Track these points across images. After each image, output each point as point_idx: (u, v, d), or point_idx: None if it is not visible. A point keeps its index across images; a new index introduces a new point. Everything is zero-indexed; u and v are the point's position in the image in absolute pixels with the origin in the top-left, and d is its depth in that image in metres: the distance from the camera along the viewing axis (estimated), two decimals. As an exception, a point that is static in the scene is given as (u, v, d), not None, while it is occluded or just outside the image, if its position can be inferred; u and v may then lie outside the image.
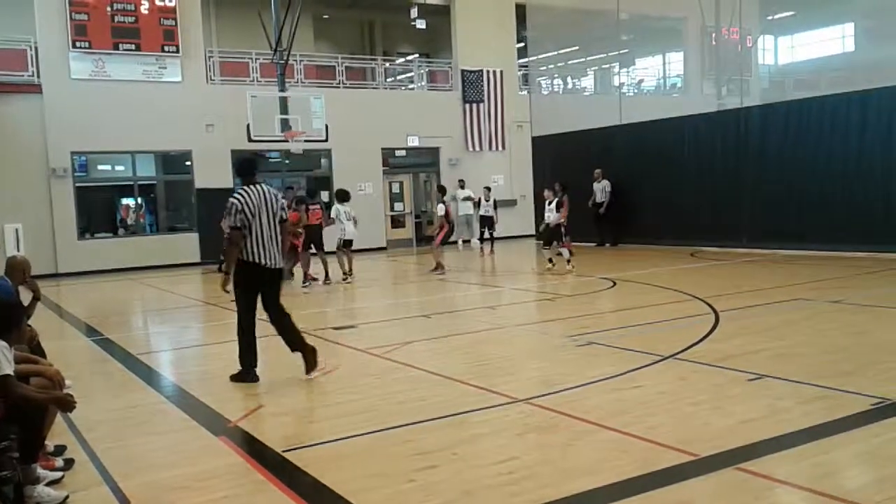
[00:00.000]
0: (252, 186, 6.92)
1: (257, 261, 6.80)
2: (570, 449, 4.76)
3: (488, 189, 20.59)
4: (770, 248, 16.41)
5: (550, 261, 15.05)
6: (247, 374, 7.02)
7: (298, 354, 7.06)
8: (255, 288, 6.93)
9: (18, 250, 13.27)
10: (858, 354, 7.00)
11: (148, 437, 5.53)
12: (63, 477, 4.56)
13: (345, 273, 14.86)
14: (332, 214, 14.86)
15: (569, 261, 14.61)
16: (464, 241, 22.89)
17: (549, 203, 15.09)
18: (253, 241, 6.76)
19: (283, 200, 7.20)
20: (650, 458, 4.48)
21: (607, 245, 20.17)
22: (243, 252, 6.80)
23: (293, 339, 7.07)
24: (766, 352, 7.17)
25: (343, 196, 15.00)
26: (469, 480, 4.30)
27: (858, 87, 16.14)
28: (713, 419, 5.18)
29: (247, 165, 7.25)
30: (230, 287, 7.08)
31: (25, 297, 6.28)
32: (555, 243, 15.00)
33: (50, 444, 4.83)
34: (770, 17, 28.90)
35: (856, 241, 14.89)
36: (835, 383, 5.86)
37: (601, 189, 20.01)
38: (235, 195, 6.87)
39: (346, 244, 14.93)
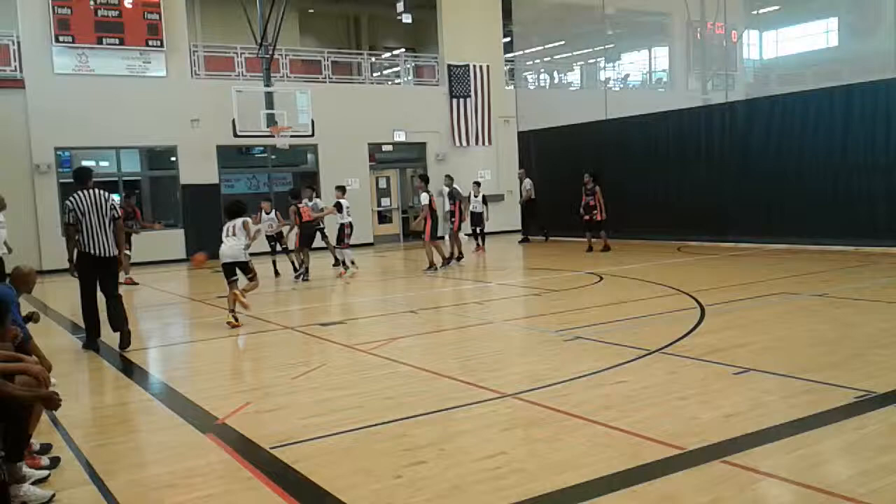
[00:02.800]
0: (84, 191, 8.39)
1: (87, 250, 8.29)
2: (557, 443, 4.78)
3: (477, 184, 19.83)
4: (755, 242, 16.53)
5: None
6: (91, 342, 8.56)
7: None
8: (87, 272, 8.42)
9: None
10: (843, 347, 7.07)
11: (134, 434, 5.52)
12: (49, 475, 4.54)
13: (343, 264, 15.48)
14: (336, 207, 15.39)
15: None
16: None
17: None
18: (84, 234, 8.26)
19: (115, 201, 8.60)
20: (637, 452, 4.51)
21: (539, 238, 21.62)
22: (78, 243, 8.31)
23: (115, 320, 8.50)
24: (752, 345, 7.23)
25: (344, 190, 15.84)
26: (457, 475, 4.31)
27: (842, 81, 16.25)
28: (699, 413, 5.21)
29: (78, 175, 8.74)
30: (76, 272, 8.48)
31: (26, 306, 6.23)
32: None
33: (35, 442, 4.80)
34: (755, 12, 29.00)
35: (840, 236, 15.02)
36: (820, 376, 5.91)
37: (525, 188, 21.56)
38: (69, 199, 8.38)
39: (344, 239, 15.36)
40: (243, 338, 9.44)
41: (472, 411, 5.55)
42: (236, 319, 9.85)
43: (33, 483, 4.30)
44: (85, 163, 21.34)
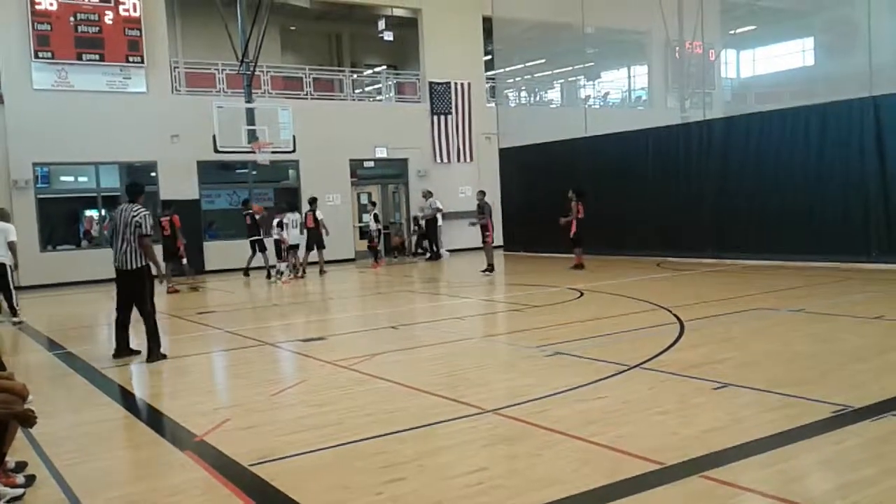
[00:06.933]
0: (123, 205, 8.73)
1: (113, 262, 8.67)
2: (537, 459, 4.78)
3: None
4: (733, 258, 16.68)
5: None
6: (118, 352, 8.83)
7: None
8: (117, 283, 8.81)
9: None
10: (820, 362, 7.13)
11: (112, 452, 5.45)
12: (24, 494, 4.47)
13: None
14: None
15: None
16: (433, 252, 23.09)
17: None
18: (113, 247, 8.67)
19: (144, 218, 8.57)
20: (617, 468, 4.52)
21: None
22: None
23: (147, 331, 8.70)
24: (731, 361, 7.28)
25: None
26: (437, 492, 4.30)
27: (818, 100, 16.49)
28: (679, 428, 5.23)
29: (130, 189, 8.99)
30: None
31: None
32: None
33: (11, 460, 4.73)
34: (732, 32, 29.40)
35: (816, 252, 15.18)
36: (798, 391, 5.96)
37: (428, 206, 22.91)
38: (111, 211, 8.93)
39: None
40: (222, 354, 9.39)
41: (453, 427, 5.54)
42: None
43: (8, 501, 4.24)
44: (63, 178, 21.35)
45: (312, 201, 19.18)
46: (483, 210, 17.15)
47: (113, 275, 8.80)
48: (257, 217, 18.97)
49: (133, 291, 8.67)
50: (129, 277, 8.61)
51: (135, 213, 8.52)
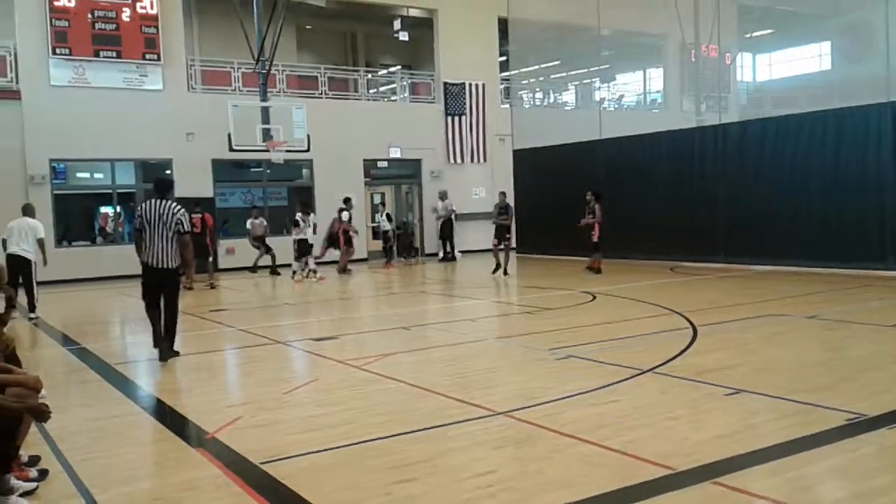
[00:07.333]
0: (154, 201, 8.43)
1: (146, 260, 8.41)
2: (548, 462, 4.77)
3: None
4: (747, 263, 16.59)
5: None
6: (162, 353, 8.43)
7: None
8: (146, 282, 8.53)
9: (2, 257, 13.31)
10: (834, 370, 7.09)
11: (124, 448, 5.48)
12: (37, 488, 4.50)
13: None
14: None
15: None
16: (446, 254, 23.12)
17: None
18: (146, 244, 8.38)
19: (183, 216, 8.46)
20: (628, 472, 4.50)
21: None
22: (141, 253, 8.46)
23: (166, 331, 8.50)
24: (744, 366, 7.24)
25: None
26: (447, 493, 4.30)
27: (834, 105, 16.38)
28: (690, 433, 5.21)
29: (158, 185, 8.90)
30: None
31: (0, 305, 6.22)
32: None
33: (24, 454, 4.76)
34: (748, 35, 29.22)
35: (831, 258, 15.07)
36: (811, 398, 5.92)
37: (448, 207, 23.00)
38: (139, 205, 8.61)
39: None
40: (234, 352, 9.43)
41: (464, 429, 5.53)
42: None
43: (21, 495, 4.27)
44: (79, 174, 21.49)
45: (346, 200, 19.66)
46: (506, 211, 17.15)
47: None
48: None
49: (168, 290, 8.53)
50: (165, 276, 8.44)
51: (174, 211, 8.35)
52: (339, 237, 19.18)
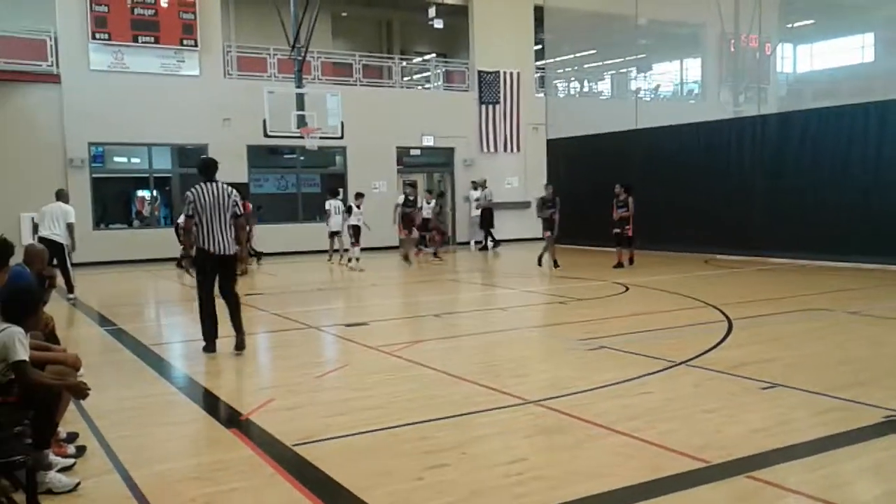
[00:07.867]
0: (207, 184, 7.96)
1: (205, 246, 7.88)
2: (578, 451, 4.75)
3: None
4: (784, 257, 16.33)
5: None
6: (206, 345, 8.04)
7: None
8: (205, 270, 8.00)
9: (34, 239, 13.61)
10: (874, 366, 6.96)
11: (159, 427, 5.56)
12: (75, 464, 4.59)
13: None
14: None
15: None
16: (476, 243, 23.10)
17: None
18: (203, 230, 7.85)
19: (238, 197, 8.08)
20: (660, 464, 4.47)
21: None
22: (197, 239, 7.92)
23: (233, 320, 8.08)
24: (780, 361, 7.14)
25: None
26: (477, 480, 4.30)
27: (877, 97, 16.03)
28: (725, 427, 5.15)
29: (204, 167, 8.19)
30: (192, 269, 8.20)
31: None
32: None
33: (62, 430, 4.85)
34: (789, 26, 28.74)
35: (873, 253, 14.77)
36: (849, 394, 5.82)
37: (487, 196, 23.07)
38: (190, 190, 7.98)
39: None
40: (267, 335, 9.52)
41: (495, 416, 5.53)
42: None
43: (59, 471, 4.35)
44: (117, 158, 21.79)
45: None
46: (553, 203, 16.84)
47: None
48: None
49: (228, 275, 8.14)
50: (229, 261, 8.05)
51: (229, 193, 7.98)
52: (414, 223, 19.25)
